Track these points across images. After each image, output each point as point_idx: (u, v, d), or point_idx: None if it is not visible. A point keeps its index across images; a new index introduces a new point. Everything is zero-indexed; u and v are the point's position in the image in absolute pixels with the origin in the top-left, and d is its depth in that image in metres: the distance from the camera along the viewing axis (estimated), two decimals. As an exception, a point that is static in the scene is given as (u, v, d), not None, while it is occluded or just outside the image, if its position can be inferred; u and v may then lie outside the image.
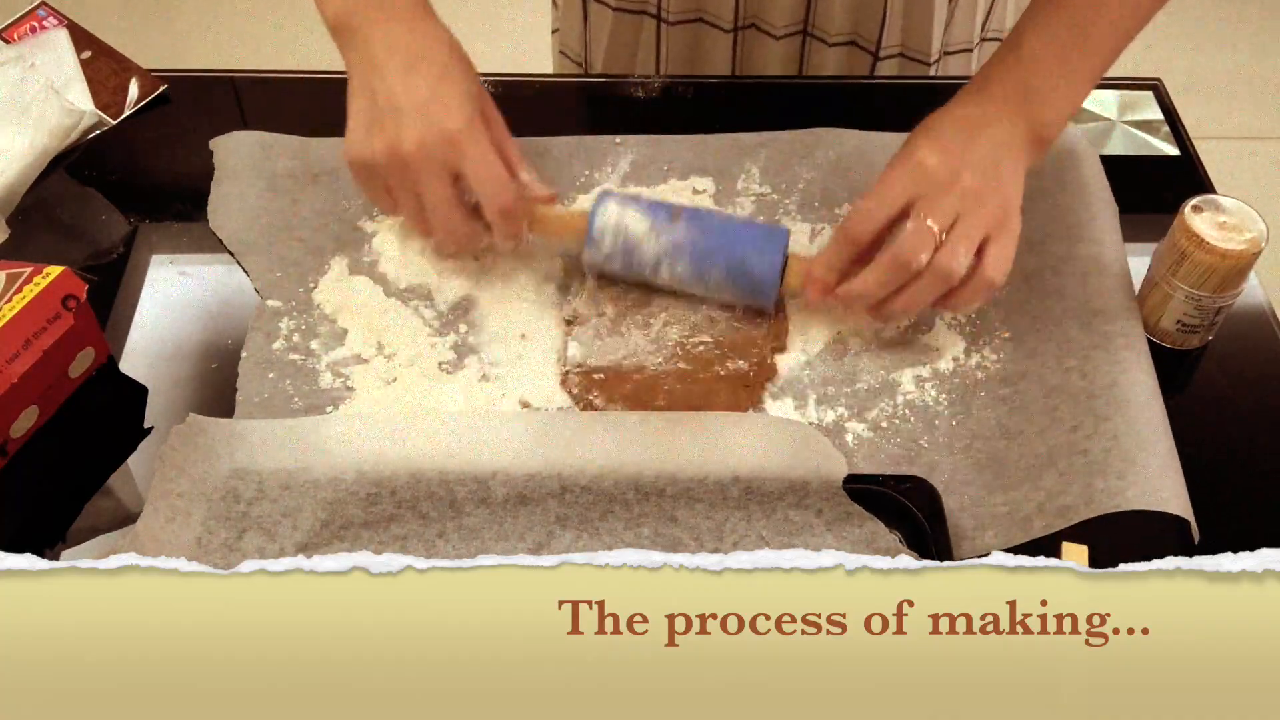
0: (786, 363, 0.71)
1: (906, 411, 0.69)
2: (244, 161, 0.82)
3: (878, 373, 0.71)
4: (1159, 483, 0.63)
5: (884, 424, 0.69)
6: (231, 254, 0.76)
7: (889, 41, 0.94)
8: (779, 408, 0.69)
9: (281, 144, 0.83)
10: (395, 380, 0.70)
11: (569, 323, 0.73)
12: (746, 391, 0.69)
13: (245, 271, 0.75)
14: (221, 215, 0.78)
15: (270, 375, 0.70)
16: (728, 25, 0.95)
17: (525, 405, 0.69)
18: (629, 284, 0.75)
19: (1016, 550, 0.62)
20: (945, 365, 0.71)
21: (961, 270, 0.67)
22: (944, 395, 0.70)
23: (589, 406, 0.69)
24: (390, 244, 0.77)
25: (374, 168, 0.70)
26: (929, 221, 0.67)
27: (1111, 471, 0.64)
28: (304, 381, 0.70)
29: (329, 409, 0.68)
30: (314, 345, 0.72)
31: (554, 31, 1.05)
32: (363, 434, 0.65)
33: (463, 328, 0.73)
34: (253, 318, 0.73)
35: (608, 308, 0.73)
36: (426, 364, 0.71)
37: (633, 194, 0.76)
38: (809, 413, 0.69)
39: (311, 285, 0.75)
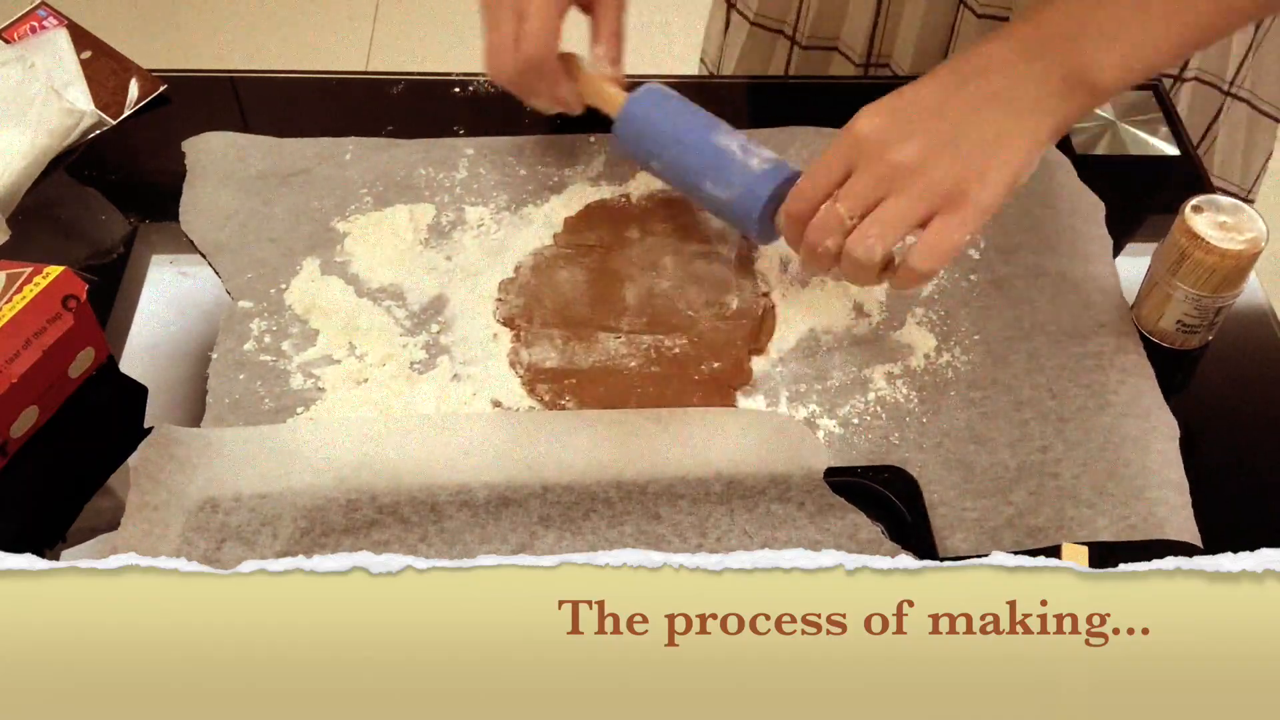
0: (758, 360, 0.71)
1: (878, 408, 0.69)
2: (216, 162, 0.82)
3: (849, 369, 0.71)
4: (1127, 511, 0.64)
5: (855, 420, 0.69)
6: (203, 255, 0.76)
7: None
8: (751, 406, 0.69)
9: (254, 145, 0.83)
10: (366, 381, 0.69)
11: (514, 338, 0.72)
12: (719, 395, 0.69)
13: (216, 273, 0.75)
14: (193, 216, 0.78)
15: (241, 376, 0.70)
16: (858, 59, 0.95)
17: (497, 405, 0.68)
18: (591, 253, 0.76)
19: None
20: (917, 362, 0.72)
21: (873, 257, 0.64)
22: (915, 393, 0.70)
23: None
24: (362, 244, 0.77)
25: (483, 4, 0.74)
26: (839, 204, 0.63)
27: (1082, 500, 0.64)
28: (275, 382, 0.69)
29: (300, 410, 0.68)
30: (285, 346, 0.71)
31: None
32: (341, 440, 0.65)
33: (434, 327, 0.73)
34: (223, 318, 0.73)
35: (557, 341, 0.71)
36: (398, 364, 0.70)
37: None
38: (781, 410, 0.69)
39: (283, 286, 0.75)
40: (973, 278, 0.76)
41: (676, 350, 0.71)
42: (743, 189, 0.72)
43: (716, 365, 0.70)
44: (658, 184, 0.80)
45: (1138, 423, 0.68)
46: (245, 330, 0.72)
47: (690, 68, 1.14)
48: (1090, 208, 0.80)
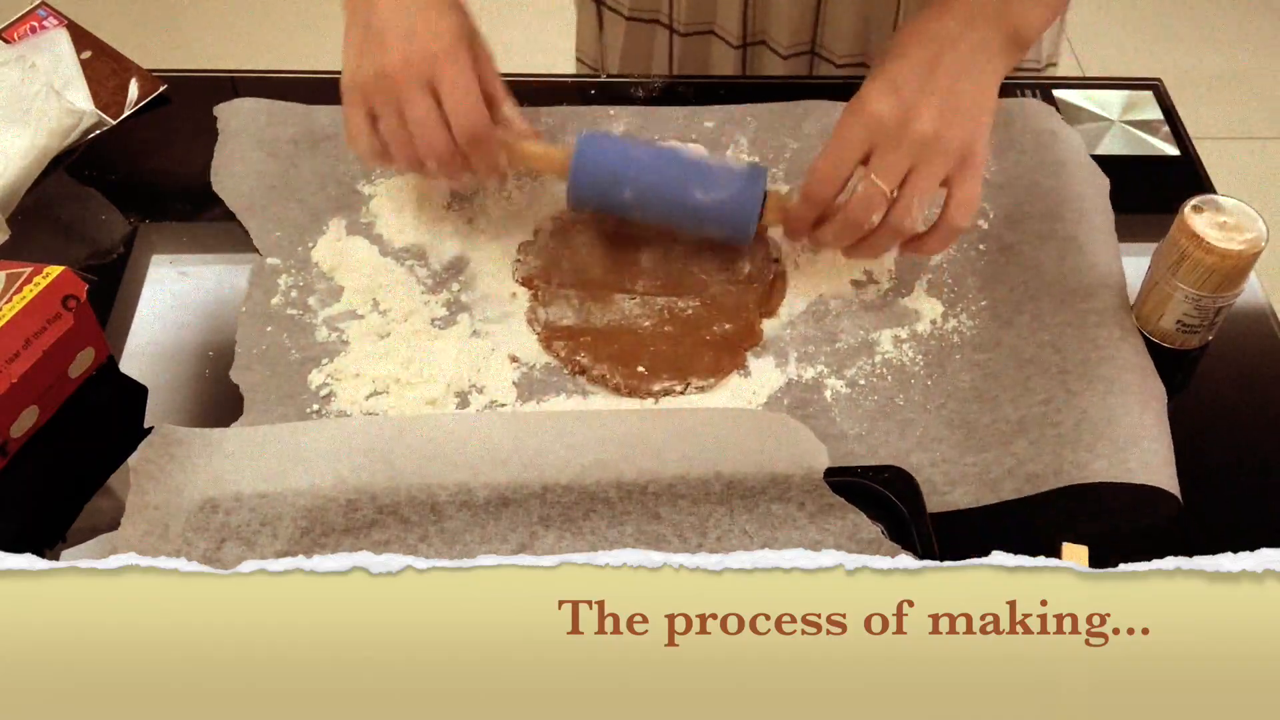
0: (769, 323, 0.74)
1: (884, 370, 0.71)
2: (247, 127, 0.84)
3: (857, 333, 0.73)
4: (1125, 455, 0.65)
5: (861, 381, 0.70)
6: (233, 214, 0.78)
7: None
8: (761, 365, 0.71)
9: (284, 111, 0.86)
10: (389, 335, 0.72)
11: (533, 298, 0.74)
12: (730, 355, 0.71)
13: (246, 230, 0.77)
14: (224, 177, 0.81)
15: (269, 329, 0.72)
16: (735, 40, 0.96)
17: (514, 360, 0.71)
18: (609, 219, 0.77)
19: (987, 508, 0.64)
20: (923, 328, 0.73)
21: (914, 226, 0.69)
22: (920, 356, 0.72)
23: (577, 367, 0.70)
24: (387, 206, 0.79)
25: (365, 90, 0.71)
26: (878, 180, 0.68)
27: (1081, 445, 0.65)
28: (301, 335, 0.72)
29: (324, 361, 0.70)
30: (311, 301, 0.74)
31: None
32: (341, 439, 0.64)
33: (455, 286, 0.75)
34: (251, 275, 0.75)
35: (574, 301, 0.74)
36: (419, 320, 0.73)
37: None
38: (789, 370, 0.71)
39: (310, 244, 0.77)
40: (980, 247, 0.78)
41: (689, 312, 0.73)
42: (736, 188, 0.73)
43: (728, 327, 0.72)
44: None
45: (1138, 378, 0.69)
46: (273, 285, 0.74)
47: (568, 67, 1.11)
48: (1097, 181, 0.81)
